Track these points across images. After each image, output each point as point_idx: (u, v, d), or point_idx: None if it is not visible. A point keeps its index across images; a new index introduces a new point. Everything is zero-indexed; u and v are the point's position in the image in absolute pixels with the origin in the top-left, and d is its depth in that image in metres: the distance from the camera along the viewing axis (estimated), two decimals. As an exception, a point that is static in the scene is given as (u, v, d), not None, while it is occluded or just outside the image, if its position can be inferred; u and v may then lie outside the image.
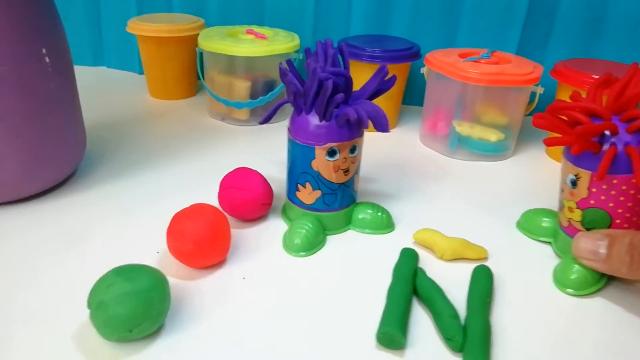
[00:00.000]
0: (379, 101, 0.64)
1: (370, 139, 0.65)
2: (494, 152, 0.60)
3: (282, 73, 0.41)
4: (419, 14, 0.69)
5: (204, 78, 0.67)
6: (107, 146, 0.59)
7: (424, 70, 0.62)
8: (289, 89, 0.40)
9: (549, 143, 0.39)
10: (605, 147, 0.37)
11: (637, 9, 0.63)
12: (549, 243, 0.44)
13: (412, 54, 0.62)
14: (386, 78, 0.41)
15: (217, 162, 0.56)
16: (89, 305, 0.31)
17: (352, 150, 0.42)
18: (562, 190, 0.41)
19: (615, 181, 0.37)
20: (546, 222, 0.44)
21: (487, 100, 0.58)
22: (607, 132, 0.37)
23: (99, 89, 0.78)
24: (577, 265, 0.39)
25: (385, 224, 0.46)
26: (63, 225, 0.44)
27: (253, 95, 0.65)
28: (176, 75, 0.72)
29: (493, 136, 0.58)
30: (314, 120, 0.40)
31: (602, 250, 0.37)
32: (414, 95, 0.72)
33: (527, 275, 0.41)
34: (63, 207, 0.47)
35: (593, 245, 0.38)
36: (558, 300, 0.39)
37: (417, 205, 0.50)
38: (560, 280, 0.39)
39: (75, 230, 0.44)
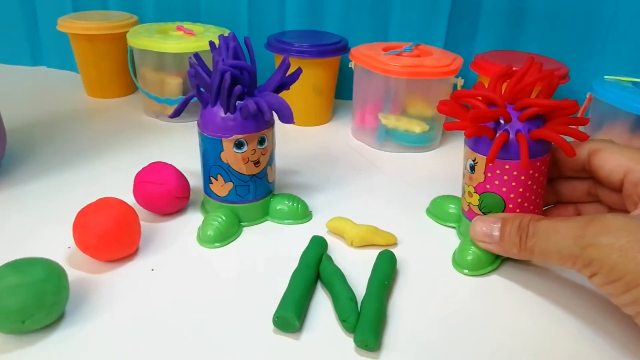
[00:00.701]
0: (310, 96, 0.66)
1: (303, 133, 0.66)
2: (420, 143, 0.62)
3: (190, 66, 0.42)
4: (351, 9, 0.71)
5: (135, 75, 0.68)
6: (34, 145, 0.59)
7: (352, 64, 0.63)
8: (192, 82, 0.41)
9: (447, 127, 0.40)
10: (498, 133, 0.38)
11: (555, 1, 0.66)
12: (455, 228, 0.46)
13: (338, 48, 0.63)
14: (289, 72, 0.42)
15: (147, 159, 0.56)
16: (-19, 299, 0.32)
17: (261, 142, 0.43)
18: (464, 176, 0.42)
19: (507, 166, 0.39)
20: (452, 208, 0.46)
21: (410, 92, 0.60)
22: (501, 120, 0.39)
23: (35, 88, 0.77)
24: (473, 248, 0.41)
25: (301, 214, 0.47)
26: (-24, 224, 0.44)
27: (185, 91, 0.65)
28: (111, 73, 0.72)
29: (417, 128, 0.60)
30: (219, 112, 0.41)
31: (496, 233, 0.39)
32: (348, 90, 0.74)
33: (432, 259, 0.43)
34: (-21, 206, 0.47)
35: (487, 228, 0.39)
36: (456, 281, 0.40)
37: (338, 196, 0.52)
38: (458, 262, 0.41)
39: (-12, 228, 0.44)
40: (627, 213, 0.38)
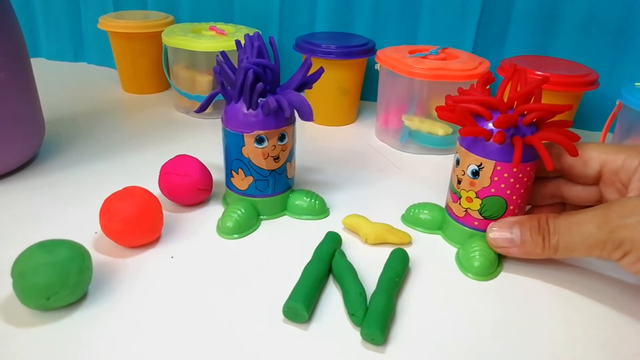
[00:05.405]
0: (335, 97, 0.67)
1: (327, 132, 0.68)
2: (443, 145, 0.62)
3: (216, 63, 0.43)
4: (380, 12, 0.71)
5: (169, 73, 0.70)
6: (71, 137, 0.62)
7: (377, 66, 0.63)
8: (217, 78, 0.43)
9: (464, 133, 0.40)
10: (508, 138, 0.39)
11: (588, 8, 0.65)
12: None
13: (364, 50, 0.64)
14: (310, 72, 0.43)
15: (174, 152, 0.58)
16: (12, 275, 0.34)
17: (281, 138, 0.44)
18: (459, 182, 0.42)
19: (515, 169, 0.39)
20: (424, 215, 0.47)
21: (435, 95, 0.60)
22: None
23: (76, 83, 0.81)
24: (477, 253, 0.41)
25: (318, 211, 0.48)
26: (14, 207, 0.47)
27: (215, 89, 0.67)
28: (147, 70, 0.75)
29: (440, 130, 0.60)
30: (242, 109, 0.43)
31: (516, 237, 0.39)
32: (374, 92, 0.74)
33: (445, 260, 0.43)
34: (17, 190, 0.50)
35: (506, 234, 0.40)
36: (467, 283, 0.40)
37: (357, 195, 0.52)
38: (466, 267, 0.41)
39: (25, 211, 0.46)
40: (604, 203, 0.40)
